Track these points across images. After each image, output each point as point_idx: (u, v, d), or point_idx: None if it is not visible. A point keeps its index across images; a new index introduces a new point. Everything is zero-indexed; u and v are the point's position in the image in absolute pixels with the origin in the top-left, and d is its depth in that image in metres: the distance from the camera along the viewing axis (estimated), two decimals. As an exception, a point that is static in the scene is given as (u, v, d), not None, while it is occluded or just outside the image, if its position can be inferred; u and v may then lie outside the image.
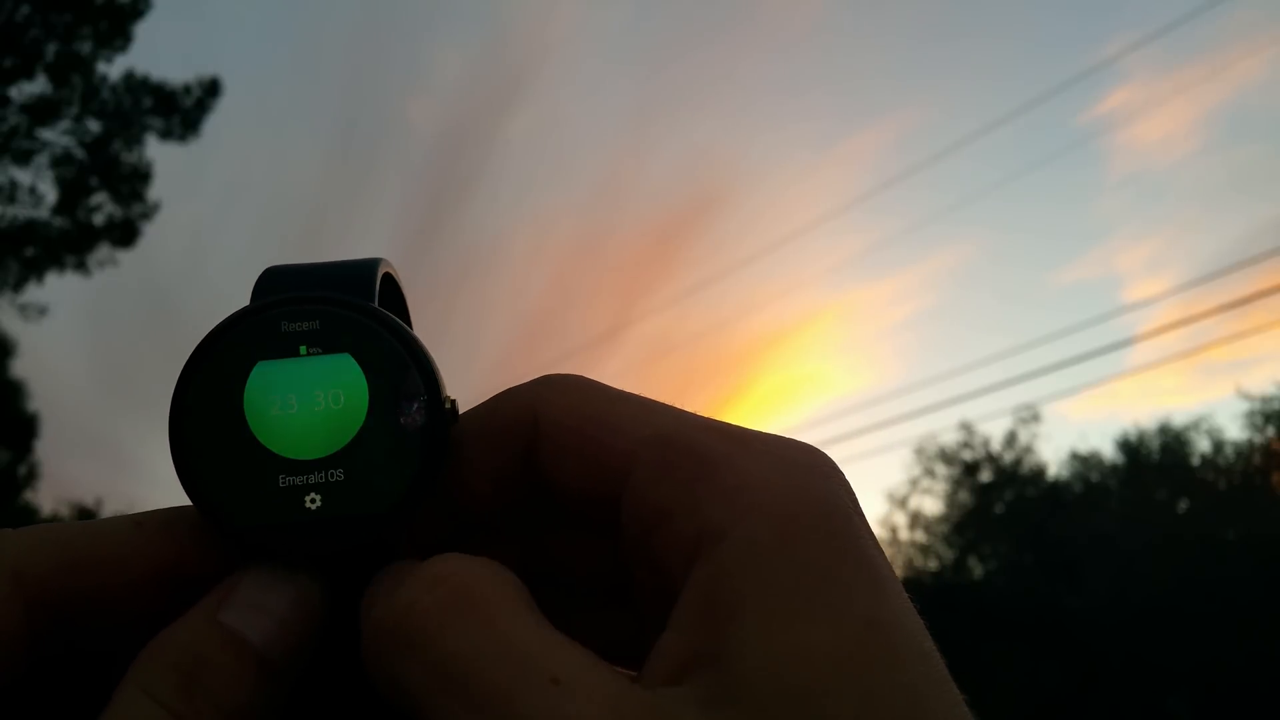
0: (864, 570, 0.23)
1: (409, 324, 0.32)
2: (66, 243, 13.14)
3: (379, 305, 0.29)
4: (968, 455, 20.85)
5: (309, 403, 0.28)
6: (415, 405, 0.28)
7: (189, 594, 0.27)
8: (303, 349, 0.28)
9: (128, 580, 0.27)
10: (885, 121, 32.87)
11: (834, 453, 0.26)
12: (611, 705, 0.22)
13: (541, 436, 0.28)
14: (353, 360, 0.28)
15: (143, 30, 13.18)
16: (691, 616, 0.23)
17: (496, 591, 0.25)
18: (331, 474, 0.27)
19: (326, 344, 0.28)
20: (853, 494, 0.26)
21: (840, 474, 0.26)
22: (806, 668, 0.22)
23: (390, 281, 0.32)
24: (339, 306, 0.28)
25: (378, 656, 0.25)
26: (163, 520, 0.28)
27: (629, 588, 0.28)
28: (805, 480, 0.25)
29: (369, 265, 0.30)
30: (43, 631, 0.26)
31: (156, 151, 14.49)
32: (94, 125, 13.20)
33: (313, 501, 0.27)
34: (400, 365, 0.28)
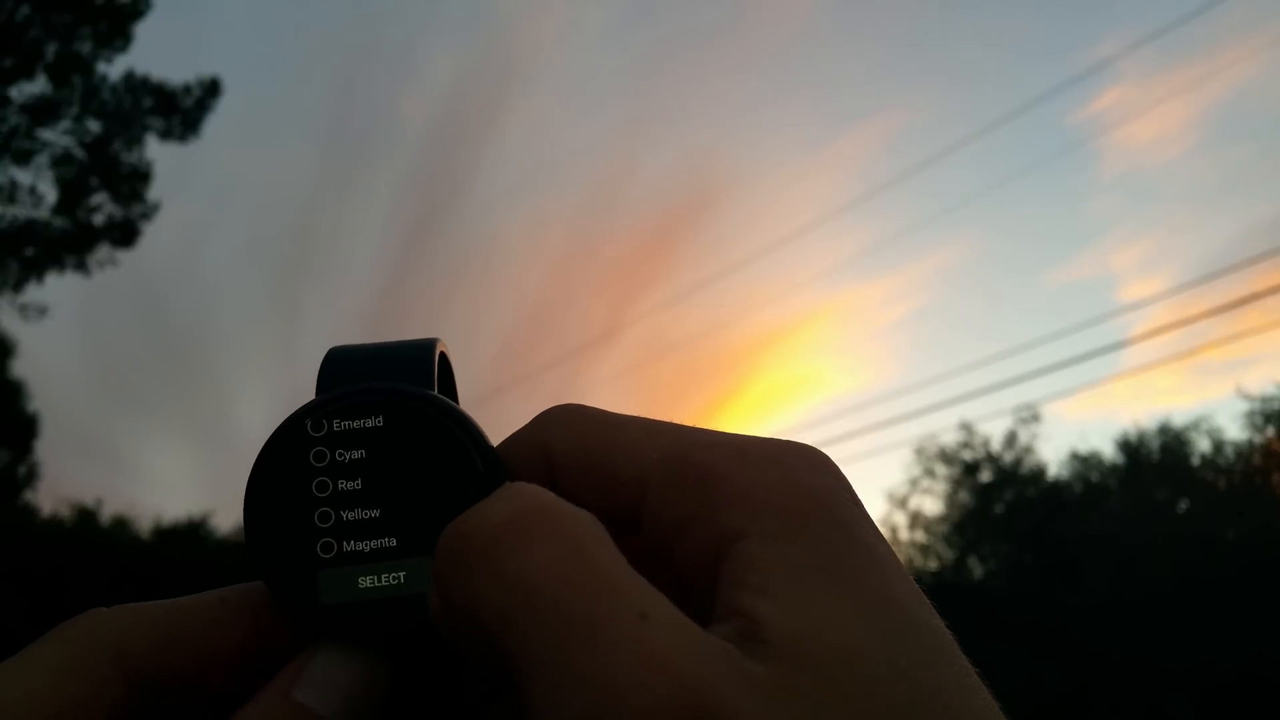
0: (871, 556, 0.25)
1: (456, 397, 0.34)
2: (66, 243, 13.15)
3: (438, 386, 0.31)
4: (968, 455, 20.86)
5: (379, 491, 0.29)
6: (480, 493, 0.29)
7: (267, 666, 0.28)
8: (372, 441, 0.29)
9: (215, 655, 0.28)
10: (880, 122, 32.88)
11: (833, 453, 0.27)
12: (697, 645, 0.22)
13: (558, 470, 0.29)
14: (419, 451, 0.29)
15: (143, 30, 13.21)
16: (724, 607, 0.24)
17: (579, 520, 0.25)
18: (401, 557, 0.29)
19: (396, 436, 0.30)
20: (850, 486, 0.27)
21: (836, 468, 0.27)
22: (839, 632, 0.23)
23: (443, 359, 0.33)
24: (403, 397, 0.30)
25: (451, 574, 0.25)
26: (244, 595, 0.29)
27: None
28: (806, 478, 0.26)
29: (427, 348, 0.32)
30: (138, 706, 0.27)
31: (156, 151, 14.53)
32: (94, 125, 13.22)
33: (380, 583, 0.29)
34: (464, 456, 0.29)
